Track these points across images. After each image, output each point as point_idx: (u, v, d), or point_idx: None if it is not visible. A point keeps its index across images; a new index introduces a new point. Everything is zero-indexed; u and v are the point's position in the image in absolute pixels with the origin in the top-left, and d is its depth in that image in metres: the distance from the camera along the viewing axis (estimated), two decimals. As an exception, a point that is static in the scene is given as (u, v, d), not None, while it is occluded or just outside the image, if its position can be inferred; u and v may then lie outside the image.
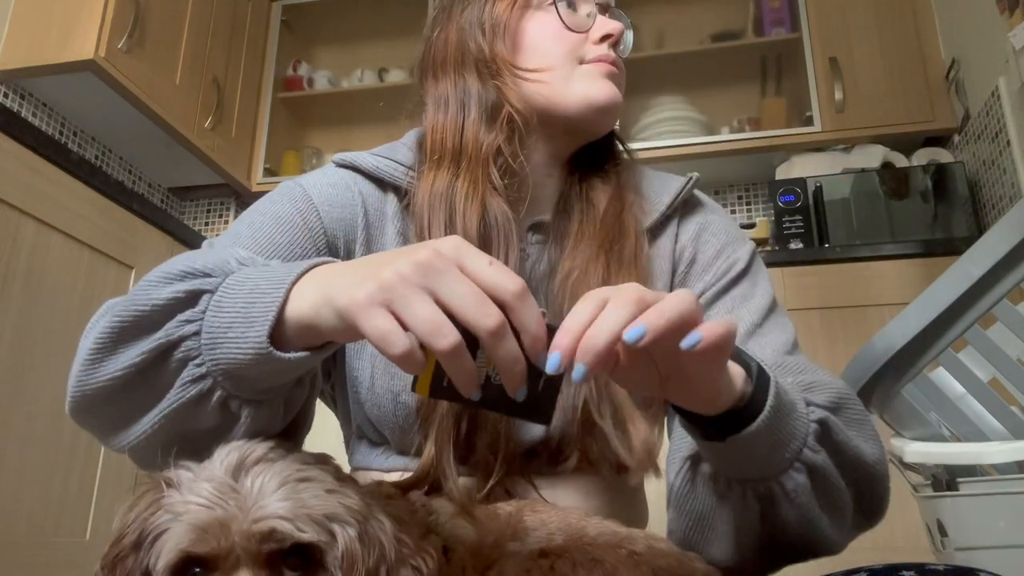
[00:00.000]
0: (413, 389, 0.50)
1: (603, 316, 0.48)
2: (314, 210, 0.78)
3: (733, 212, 2.95)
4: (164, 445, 0.56)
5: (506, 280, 0.47)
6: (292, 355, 0.53)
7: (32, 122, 2.22)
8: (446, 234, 0.74)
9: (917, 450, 0.93)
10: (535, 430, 0.75)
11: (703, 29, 2.93)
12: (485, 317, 0.46)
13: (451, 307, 0.46)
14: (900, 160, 2.55)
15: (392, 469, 0.78)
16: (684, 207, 0.86)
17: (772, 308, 0.81)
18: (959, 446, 0.92)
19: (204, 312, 0.55)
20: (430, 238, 0.68)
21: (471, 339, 0.46)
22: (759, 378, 0.57)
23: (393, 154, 0.83)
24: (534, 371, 0.48)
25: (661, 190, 0.85)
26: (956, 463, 0.91)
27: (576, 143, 0.85)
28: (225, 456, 0.51)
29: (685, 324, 0.48)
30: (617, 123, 0.87)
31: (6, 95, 2.33)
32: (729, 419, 0.57)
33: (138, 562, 0.50)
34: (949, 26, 2.53)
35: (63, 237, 1.80)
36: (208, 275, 0.56)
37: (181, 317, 0.55)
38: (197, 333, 0.54)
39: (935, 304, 0.88)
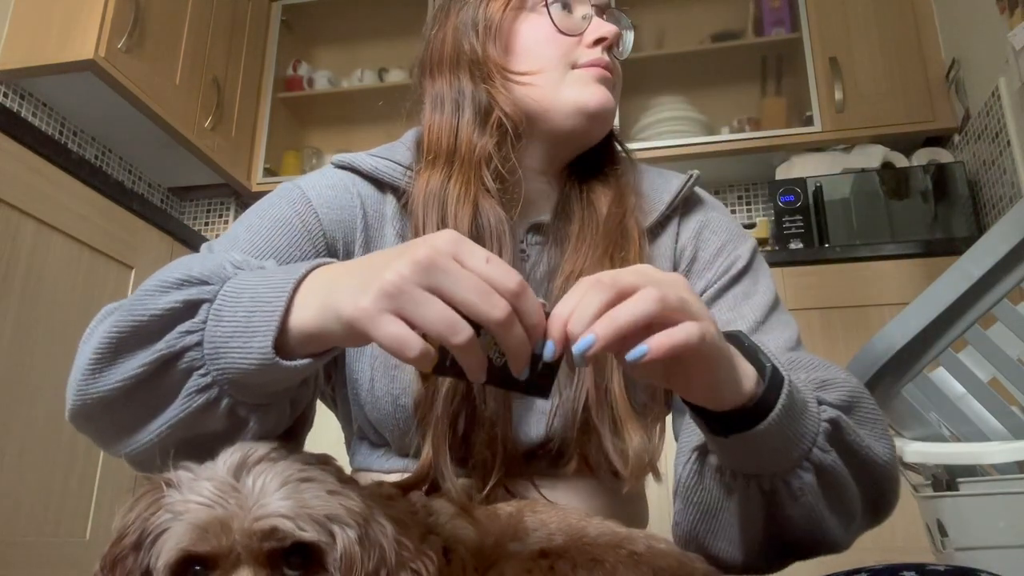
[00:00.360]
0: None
1: (581, 303, 0.48)
2: (313, 212, 0.77)
3: (733, 212, 2.95)
4: (168, 450, 0.56)
5: (504, 276, 0.47)
6: (298, 363, 0.53)
7: (32, 122, 2.22)
8: None
9: (917, 450, 0.93)
10: (534, 431, 0.75)
11: (703, 29, 2.94)
12: (493, 308, 0.46)
13: (457, 302, 0.47)
14: (900, 160, 2.55)
15: (392, 470, 0.78)
16: (685, 205, 0.86)
17: (774, 305, 0.80)
18: (959, 446, 0.92)
19: (204, 322, 0.55)
20: None
21: (472, 324, 0.47)
22: (772, 378, 0.57)
23: (392, 154, 0.83)
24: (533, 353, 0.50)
25: (662, 189, 0.85)
26: (956, 463, 0.91)
27: (571, 150, 0.84)
28: (228, 456, 0.51)
29: (638, 333, 0.48)
30: (616, 123, 0.86)
31: (6, 95, 2.33)
32: (737, 416, 0.56)
33: (138, 562, 0.50)
34: (949, 26, 2.53)
35: (63, 237, 1.80)
36: (205, 283, 0.56)
37: (181, 328, 0.55)
38: (199, 344, 0.54)
39: (935, 304, 0.88)
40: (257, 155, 3.00)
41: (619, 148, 0.89)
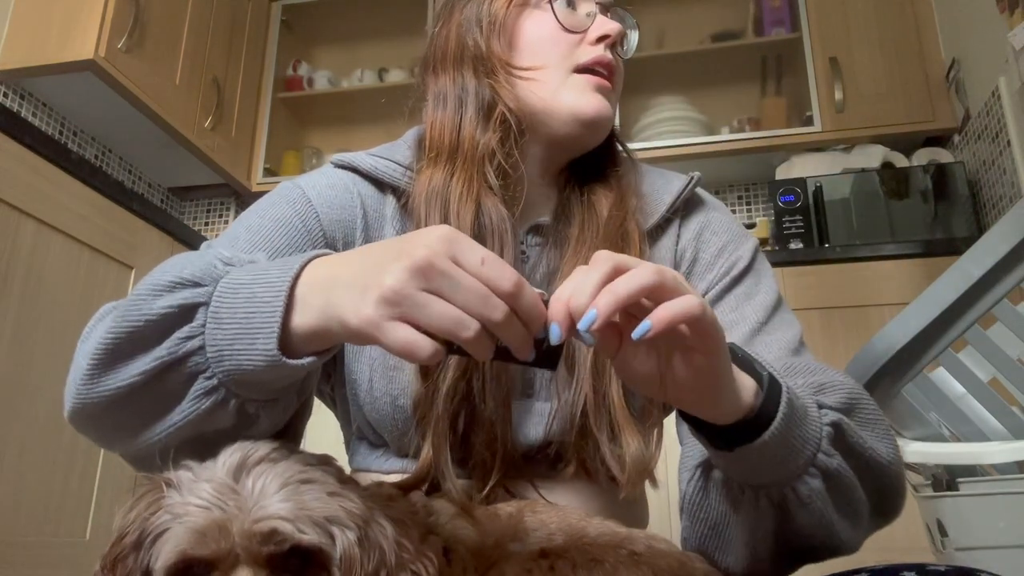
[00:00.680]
0: None
1: (580, 281, 0.48)
2: (312, 211, 0.77)
3: (733, 212, 2.92)
4: (172, 449, 0.56)
5: (500, 277, 0.48)
6: (304, 361, 0.53)
7: (32, 122, 2.22)
8: None
9: (917, 450, 0.93)
10: (532, 433, 0.75)
11: (703, 29, 2.93)
12: (491, 311, 0.47)
13: (455, 305, 0.47)
14: (900, 160, 2.55)
15: (391, 471, 0.78)
16: (685, 207, 0.86)
17: (777, 305, 0.80)
18: (959, 446, 0.92)
19: (203, 326, 0.55)
20: None
21: None
22: (770, 388, 0.56)
23: (392, 154, 0.83)
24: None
25: (662, 190, 0.85)
26: (956, 463, 0.91)
27: (569, 155, 0.84)
28: (228, 457, 0.51)
29: (639, 312, 0.48)
30: (617, 123, 0.86)
31: (6, 95, 2.33)
32: (738, 430, 0.56)
33: (138, 562, 0.50)
34: (949, 26, 2.53)
35: (63, 237, 1.80)
36: (197, 284, 0.56)
37: (180, 334, 0.55)
38: (201, 348, 0.55)
39: (935, 304, 0.88)
40: (257, 155, 3.00)
41: (620, 148, 0.89)
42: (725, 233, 0.84)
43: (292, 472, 0.51)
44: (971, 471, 0.91)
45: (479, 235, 0.74)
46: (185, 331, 0.55)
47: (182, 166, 2.84)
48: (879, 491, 0.66)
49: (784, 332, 0.77)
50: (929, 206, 2.39)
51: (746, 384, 0.56)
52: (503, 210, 0.76)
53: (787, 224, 2.46)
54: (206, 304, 0.55)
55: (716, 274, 0.82)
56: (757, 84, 2.96)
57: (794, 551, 0.65)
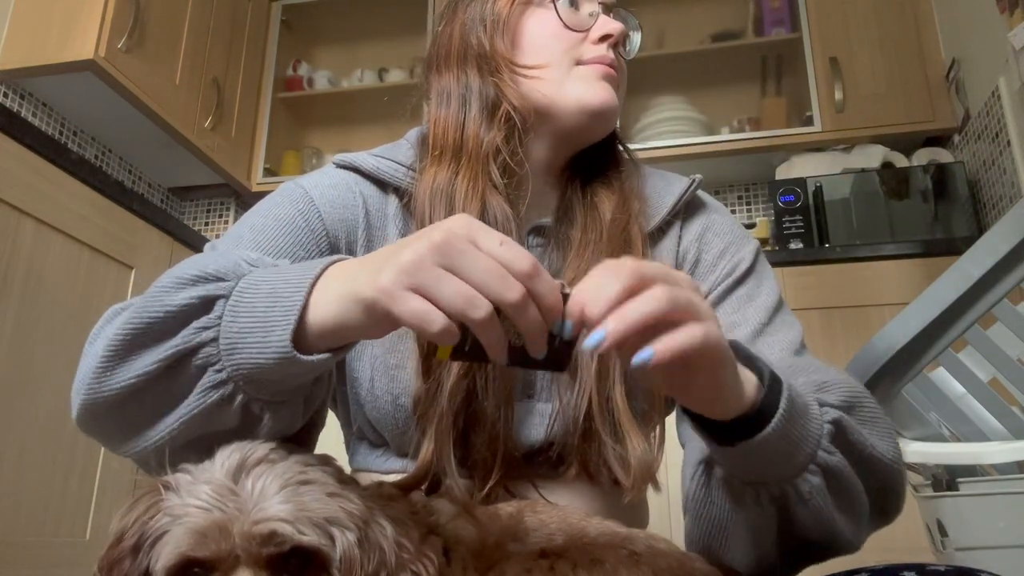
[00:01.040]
0: (433, 355, 0.51)
1: (599, 285, 0.48)
2: (316, 211, 0.77)
3: (733, 212, 2.94)
4: (175, 450, 0.56)
5: (518, 259, 0.48)
6: (316, 357, 0.53)
7: (32, 122, 2.22)
8: None
9: (917, 450, 0.93)
10: (534, 434, 0.75)
11: (703, 29, 2.93)
12: (507, 290, 0.47)
13: (472, 283, 0.47)
14: (900, 160, 2.55)
15: (391, 471, 0.78)
16: (687, 209, 0.86)
17: (778, 307, 0.80)
18: (959, 446, 0.92)
19: (220, 318, 0.55)
20: None
21: None
22: (771, 385, 0.57)
23: (394, 154, 0.83)
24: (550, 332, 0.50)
25: (664, 192, 0.85)
26: (956, 463, 0.91)
27: (573, 147, 0.84)
28: (226, 458, 0.51)
29: (645, 332, 0.47)
30: (617, 123, 0.86)
31: (6, 95, 2.33)
32: (739, 425, 0.56)
33: (136, 564, 0.50)
34: (949, 26, 2.53)
35: (63, 237, 1.80)
36: (220, 279, 0.56)
37: (197, 324, 0.55)
38: (215, 339, 0.54)
39: (935, 304, 0.88)
40: (257, 155, 3.00)
41: (622, 150, 0.89)
42: (727, 235, 0.85)
43: (292, 473, 0.51)
44: (971, 471, 0.91)
45: None
46: (202, 321, 0.55)
47: (182, 166, 2.84)
48: (880, 489, 0.65)
49: (785, 334, 0.78)
50: (929, 206, 2.39)
51: (748, 378, 0.56)
52: (507, 208, 0.76)
53: (787, 224, 2.46)
54: (226, 297, 0.55)
55: (718, 276, 0.82)
56: (757, 84, 2.96)
57: (796, 549, 0.65)
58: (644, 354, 0.48)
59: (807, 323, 2.15)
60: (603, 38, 0.81)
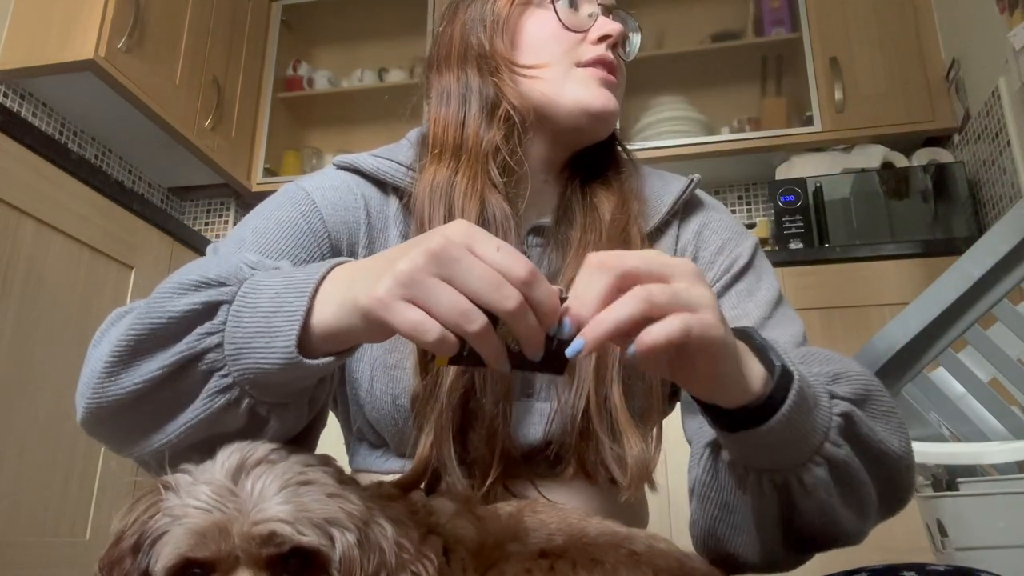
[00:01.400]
0: (430, 360, 0.50)
1: (584, 286, 0.49)
2: (317, 213, 0.78)
3: (733, 212, 2.94)
4: (179, 452, 0.56)
5: (515, 265, 0.48)
6: (321, 361, 0.53)
7: (32, 122, 2.22)
8: None
9: (917, 450, 0.92)
10: (532, 433, 0.75)
11: (703, 29, 2.93)
12: (505, 299, 0.47)
13: (469, 291, 0.47)
14: (900, 160, 2.55)
15: (391, 471, 0.78)
16: (685, 208, 0.86)
17: (779, 301, 0.80)
18: (959, 446, 0.92)
19: (224, 323, 0.55)
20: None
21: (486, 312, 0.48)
22: (781, 377, 0.56)
23: (395, 155, 0.83)
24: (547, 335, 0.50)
25: (662, 191, 0.85)
26: (956, 463, 0.91)
27: (572, 147, 0.84)
28: (226, 458, 0.51)
29: (635, 327, 0.47)
30: (617, 123, 0.86)
31: (6, 95, 2.33)
32: (745, 413, 0.56)
33: (136, 564, 0.50)
34: (949, 26, 2.53)
35: (63, 237, 1.80)
36: (223, 284, 0.56)
37: (201, 330, 0.55)
38: (220, 345, 0.55)
39: (935, 304, 0.88)
40: (257, 155, 3.00)
41: (621, 151, 0.89)
42: (725, 231, 0.85)
43: (291, 474, 0.51)
44: (971, 471, 0.90)
45: None
46: (206, 327, 0.55)
47: (182, 166, 2.84)
48: (888, 482, 0.65)
49: (787, 328, 0.77)
50: (929, 206, 2.39)
51: (755, 372, 0.56)
52: (507, 207, 0.76)
53: (787, 224, 2.47)
54: (229, 303, 0.55)
55: (716, 272, 0.82)
56: (757, 84, 2.96)
57: (800, 539, 0.65)
58: (630, 349, 0.48)
59: (807, 323, 2.15)
60: (602, 39, 0.81)
